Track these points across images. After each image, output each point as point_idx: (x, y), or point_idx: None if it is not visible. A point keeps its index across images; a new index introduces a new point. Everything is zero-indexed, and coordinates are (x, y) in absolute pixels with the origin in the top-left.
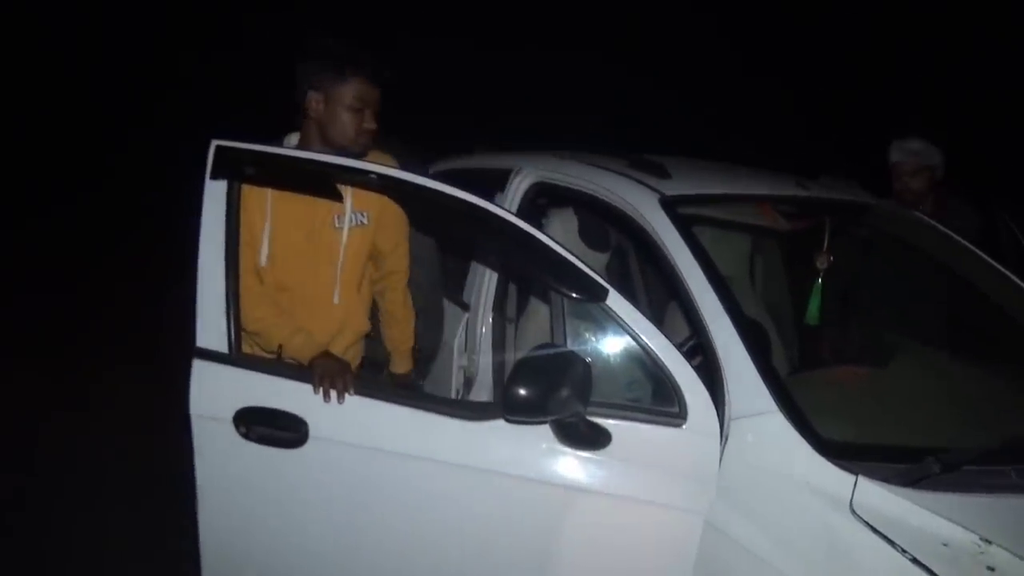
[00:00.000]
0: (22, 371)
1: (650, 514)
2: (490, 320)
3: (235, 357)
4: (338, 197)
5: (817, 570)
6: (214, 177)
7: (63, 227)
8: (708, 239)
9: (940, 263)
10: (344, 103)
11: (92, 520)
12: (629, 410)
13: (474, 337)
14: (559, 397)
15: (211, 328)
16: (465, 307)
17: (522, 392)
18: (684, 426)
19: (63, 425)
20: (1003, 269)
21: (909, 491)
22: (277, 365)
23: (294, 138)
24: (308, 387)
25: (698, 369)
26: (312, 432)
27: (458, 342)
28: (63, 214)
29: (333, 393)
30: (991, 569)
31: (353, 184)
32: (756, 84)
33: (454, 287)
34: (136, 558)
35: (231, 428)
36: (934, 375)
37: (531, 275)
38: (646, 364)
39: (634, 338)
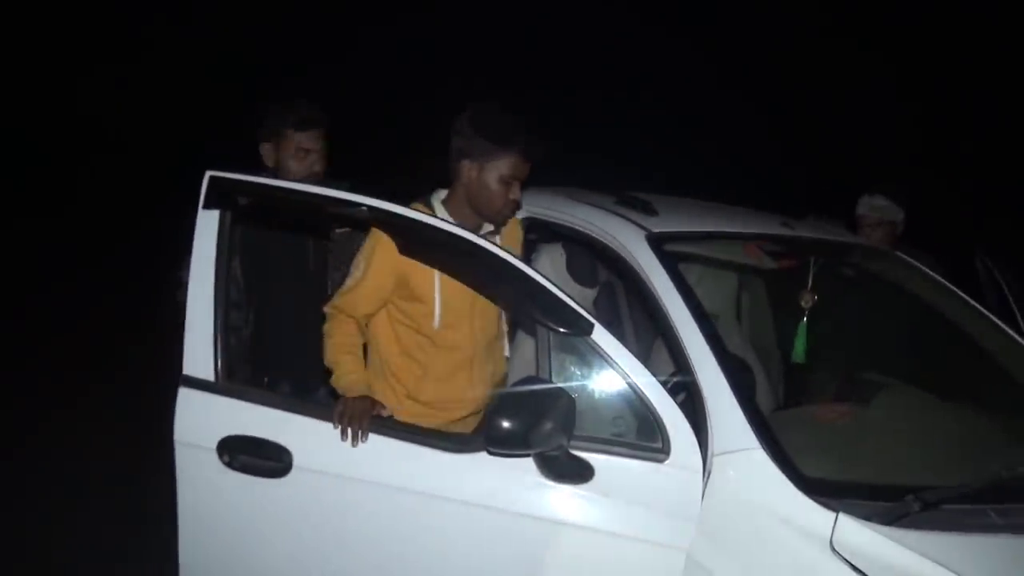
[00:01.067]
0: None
1: (632, 549)
2: None
3: (221, 386)
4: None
5: None
6: (206, 207)
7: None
8: (696, 276)
9: (923, 303)
10: (496, 176)
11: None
12: (612, 444)
13: None
14: (542, 430)
15: (198, 356)
16: None
17: (505, 424)
18: (667, 461)
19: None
20: (983, 310)
21: (889, 529)
22: (262, 394)
23: (441, 194)
24: (293, 417)
25: (682, 405)
26: (296, 462)
27: None
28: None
29: (350, 432)
30: None
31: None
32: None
33: None
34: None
35: (215, 456)
36: (916, 414)
37: (519, 309)
38: (630, 399)
39: (619, 373)
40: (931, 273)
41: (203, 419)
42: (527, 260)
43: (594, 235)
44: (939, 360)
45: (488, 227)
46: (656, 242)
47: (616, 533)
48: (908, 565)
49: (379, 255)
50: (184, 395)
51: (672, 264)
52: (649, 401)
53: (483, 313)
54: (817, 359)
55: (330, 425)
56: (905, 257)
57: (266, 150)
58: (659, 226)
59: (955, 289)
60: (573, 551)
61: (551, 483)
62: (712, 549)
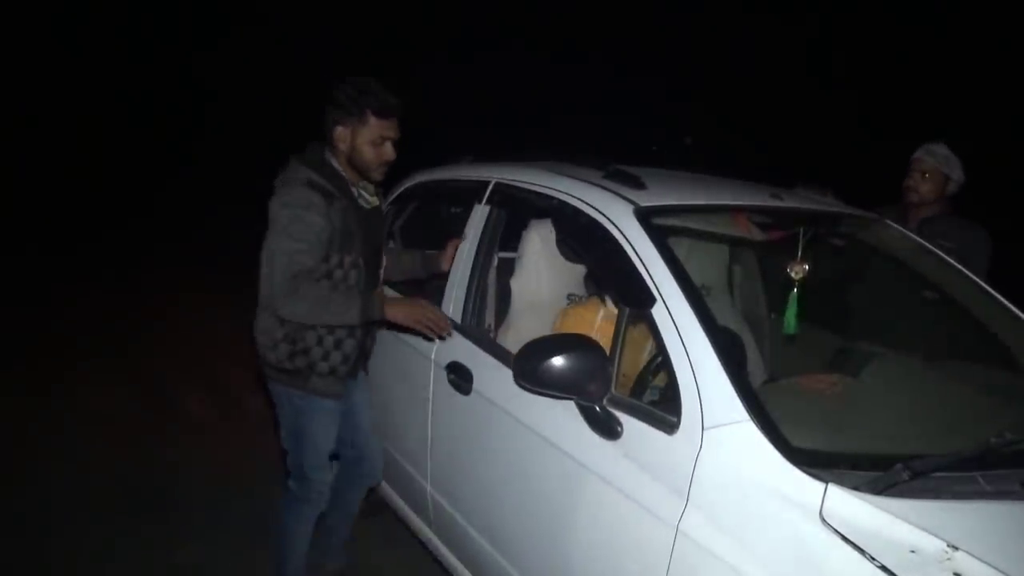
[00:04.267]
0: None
1: (633, 513)
2: None
3: (460, 325)
4: None
5: None
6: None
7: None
8: (686, 249)
9: (912, 271)
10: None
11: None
12: (640, 410)
13: None
14: (583, 380)
15: (451, 303)
16: None
17: (557, 363)
18: (676, 434)
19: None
20: (973, 277)
21: (878, 498)
22: (473, 330)
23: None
24: (477, 349)
25: (672, 379)
26: (475, 385)
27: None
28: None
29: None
30: (957, 575)
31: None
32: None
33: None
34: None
35: (444, 373)
36: (905, 382)
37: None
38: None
39: (660, 345)
40: (918, 239)
41: (444, 347)
42: (516, 235)
43: (582, 210)
44: (929, 328)
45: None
46: (644, 216)
47: (626, 493)
48: (898, 534)
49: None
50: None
51: (660, 238)
52: (674, 374)
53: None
54: (808, 329)
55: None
56: (894, 224)
57: (341, 133)
58: (647, 200)
59: (944, 255)
60: (590, 496)
61: (589, 431)
62: (704, 521)
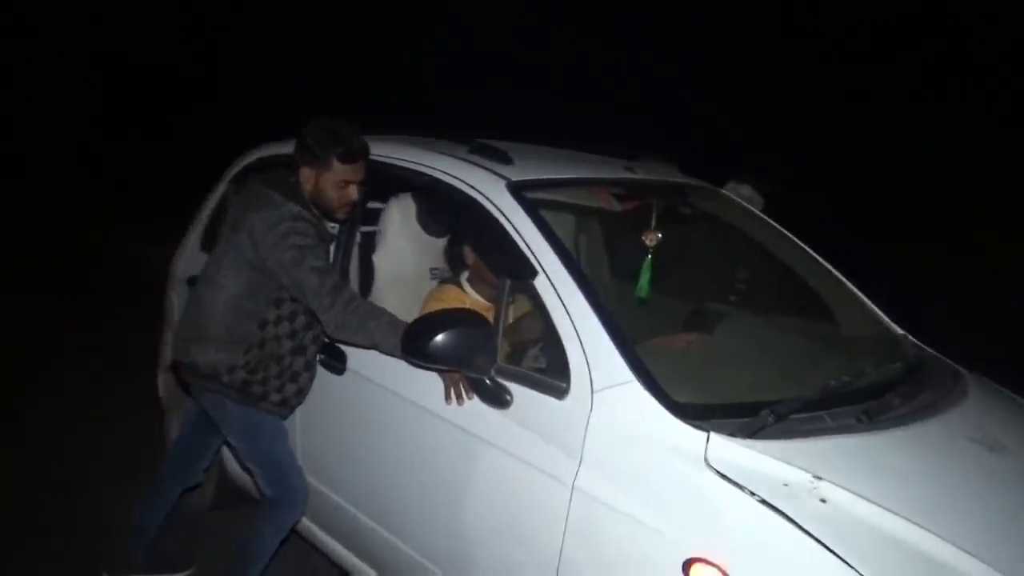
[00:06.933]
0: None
1: (531, 476)
2: None
3: None
4: None
5: (681, 519)
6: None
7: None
8: None
9: (750, 238)
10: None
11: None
12: (529, 379)
13: None
14: (470, 355)
15: None
16: None
17: (439, 340)
18: (566, 398)
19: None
20: (800, 243)
21: (751, 441)
22: None
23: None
24: None
25: (558, 346)
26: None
27: None
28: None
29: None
30: (823, 501)
31: None
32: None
33: None
34: None
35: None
36: (754, 337)
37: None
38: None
39: (545, 315)
40: (754, 210)
41: None
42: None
43: (452, 184)
44: (766, 288)
45: None
46: (516, 190)
47: (520, 458)
48: (771, 471)
49: None
50: None
51: (535, 211)
52: (561, 342)
53: None
54: (661, 293)
55: None
56: (731, 195)
57: (305, 175)
58: (517, 174)
59: (776, 224)
60: (484, 465)
61: (480, 403)
62: (599, 479)
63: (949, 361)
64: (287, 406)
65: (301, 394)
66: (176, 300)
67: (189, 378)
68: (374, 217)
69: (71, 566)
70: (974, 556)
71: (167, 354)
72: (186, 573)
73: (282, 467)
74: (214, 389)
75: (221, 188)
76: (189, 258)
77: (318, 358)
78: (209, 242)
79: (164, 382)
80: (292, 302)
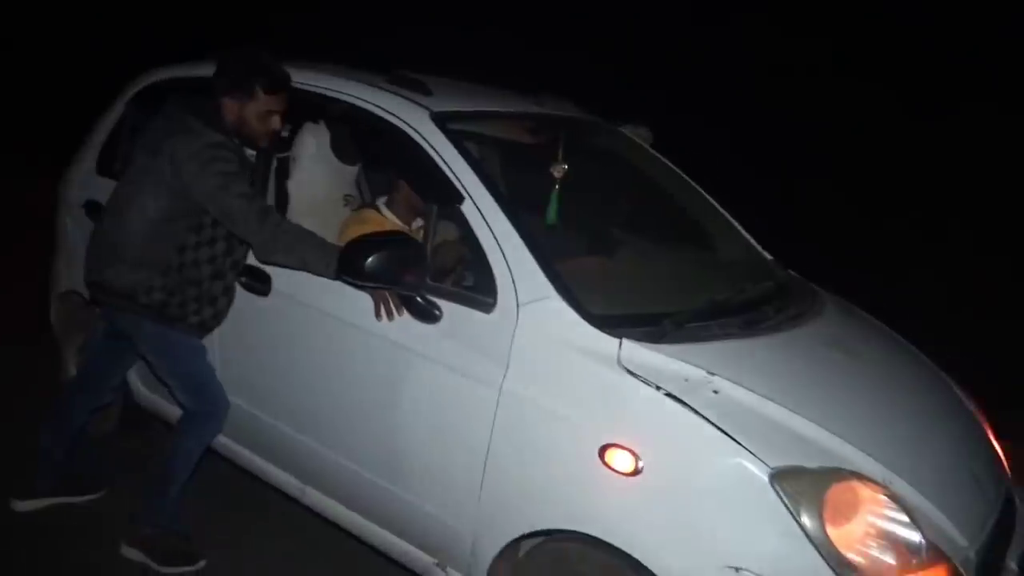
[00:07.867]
0: None
1: (460, 383)
2: None
3: None
4: None
5: (598, 412)
6: None
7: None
8: None
9: (641, 171)
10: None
11: None
12: (456, 295)
13: None
14: (407, 274)
15: None
16: None
17: (371, 261)
18: (493, 312)
19: None
20: (684, 175)
21: (656, 346)
22: None
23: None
24: None
25: (485, 265)
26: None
27: None
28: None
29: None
30: (716, 392)
31: None
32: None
33: None
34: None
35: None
36: (649, 260)
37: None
38: (479, 259)
39: (471, 237)
40: (646, 146)
41: None
42: (289, 138)
43: (374, 113)
44: (658, 216)
45: None
46: (441, 120)
47: (450, 367)
48: (673, 369)
49: None
50: None
51: (459, 141)
52: (487, 261)
53: None
54: (567, 221)
55: None
56: (625, 131)
57: (228, 105)
58: (438, 105)
59: (665, 160)
60: (415, 376)
61: (409, 318)
62: (525, 381)
63: (810, 282)
64: (205, 328)
65: (218, 317)
66: (71, 225)
67: (103, 298)
68: (286, 144)
69: None
70: (836, 435)
71: (61, 281)
72: (96, 495)
73: (202, 379)
74: (132, 309)
75: (119, 108)
76: (84, 181)
77: (240, 280)
78: (108, 165)
79: (56, 309)
80: (212, 228)
